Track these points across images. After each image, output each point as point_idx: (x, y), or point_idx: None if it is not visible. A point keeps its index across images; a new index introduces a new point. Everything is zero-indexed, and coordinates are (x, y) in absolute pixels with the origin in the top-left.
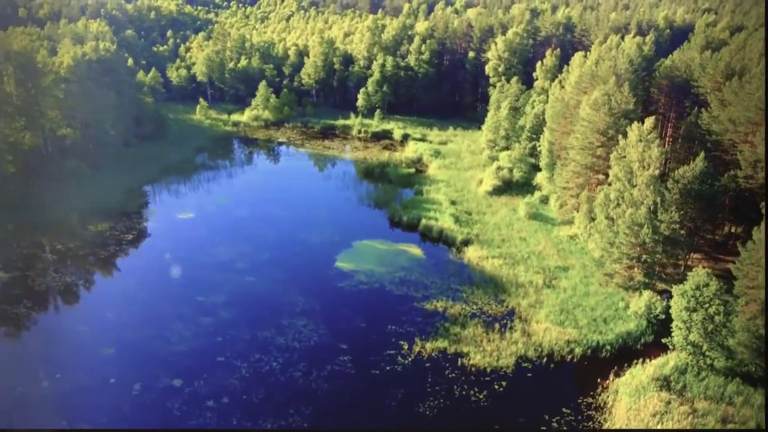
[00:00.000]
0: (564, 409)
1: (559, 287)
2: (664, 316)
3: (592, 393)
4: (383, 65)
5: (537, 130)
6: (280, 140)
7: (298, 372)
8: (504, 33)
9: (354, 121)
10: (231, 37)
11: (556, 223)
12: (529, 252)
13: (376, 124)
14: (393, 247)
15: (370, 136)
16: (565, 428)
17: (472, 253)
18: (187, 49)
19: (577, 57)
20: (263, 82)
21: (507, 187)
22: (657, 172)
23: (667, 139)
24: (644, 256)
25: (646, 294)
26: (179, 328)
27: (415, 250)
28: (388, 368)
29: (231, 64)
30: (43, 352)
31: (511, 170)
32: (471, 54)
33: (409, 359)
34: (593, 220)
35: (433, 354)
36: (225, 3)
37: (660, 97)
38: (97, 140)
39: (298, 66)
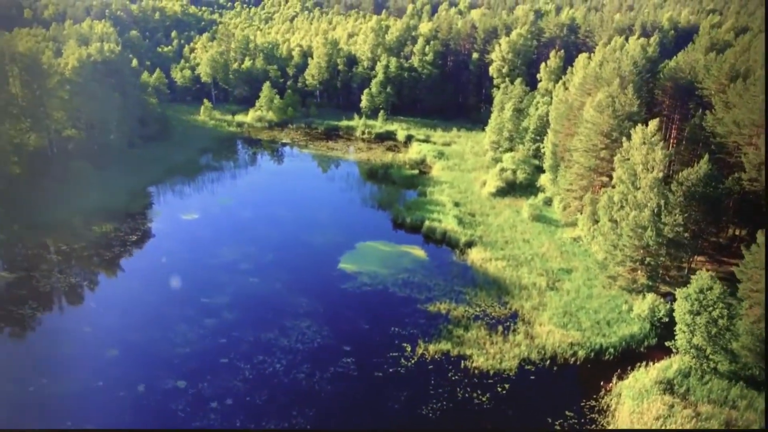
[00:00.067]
0: (567, 412)
1: (563, 289)
2: (667, 319)
3: (595, 396)
4: (387, 66)
5: (541, 132)
6: (283, 141)
7: (301, 374)
8: (508, 34)
9: (358, 122)
10: (235, 38)
11: (559, 225)
12: (532, 254)
13: (379, 125)
14: (396, 248)
15: (373, 137)
16: (567, 431)
17: (475, 255)
18: (192, 50)
19: (581, 58)
20: (267, 83)
21: (510, 189)
22: (661, 174)
23: (671, 141)
24: (648, 259)
25: (650, 297)
26: (183, 329)
27: (419, 252)
28: (391, 370)
29: (235, 65)
30: (48, 353)
31: (514, 172)
32: (475, 55)
33: (412, 361)
34: (597, 222)
35: (436, 356)
36: (229, 3)
37: (664, 99)
38: (101, 141)
39: (302, 67)
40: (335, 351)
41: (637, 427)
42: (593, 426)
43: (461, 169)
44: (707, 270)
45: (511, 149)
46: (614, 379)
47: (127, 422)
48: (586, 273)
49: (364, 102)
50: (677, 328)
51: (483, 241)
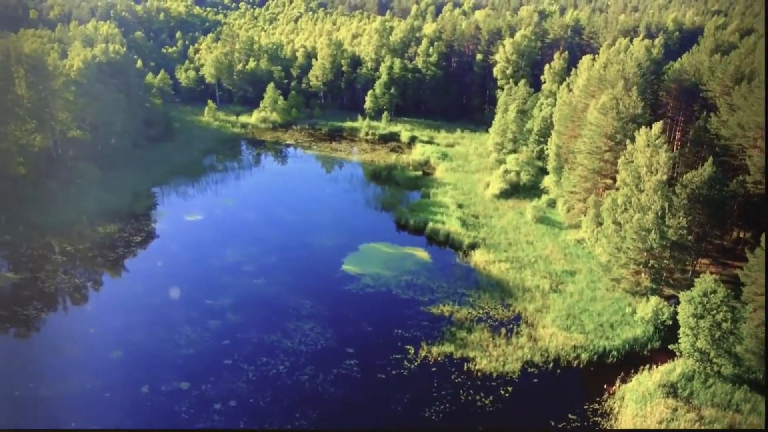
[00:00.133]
0: (570, 415)
1: (566, 292)
2: (671, 322)
3: (598, 399)
4: (391, 67)
5: (545, 134)
6: (287, 142)
7: (304, 376)
8: (512, 35)
9: (361, 123)
10: (239, 39)
11: (563, 227)
12: (535, 256)
13: (383, 127)
14: (399, 250)
15: (377, 139)
16: None
17: (478, 257)
18: (196, 51)
19: (586, 60)
20: (271, 84)
21: (514, 191)
22: (665, 177)
23: (675, 143)
24: (651, 262)
25: (654, 299)
26: (187, 330)
27: (422, 254)
28: (394, 372)
29: (239, 66)
30: (52, 353)
31: (518, 173)
32: (479, 56)
33: (415, 363)
34: (600, 224)
35: (439, 358)
36: (234, 4)
37: (669, 101)
38: (106, 142)
39: (306, 68)
40: (338, 353)
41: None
42: (596, 429)
43: (465, 170)
44: (711, 273)
45: (514, 151)
46: (617, 382)
47: (131, 423)
48: (589, 275)
49: (368, 103)
50: (681, 331)
51: (486, 243)
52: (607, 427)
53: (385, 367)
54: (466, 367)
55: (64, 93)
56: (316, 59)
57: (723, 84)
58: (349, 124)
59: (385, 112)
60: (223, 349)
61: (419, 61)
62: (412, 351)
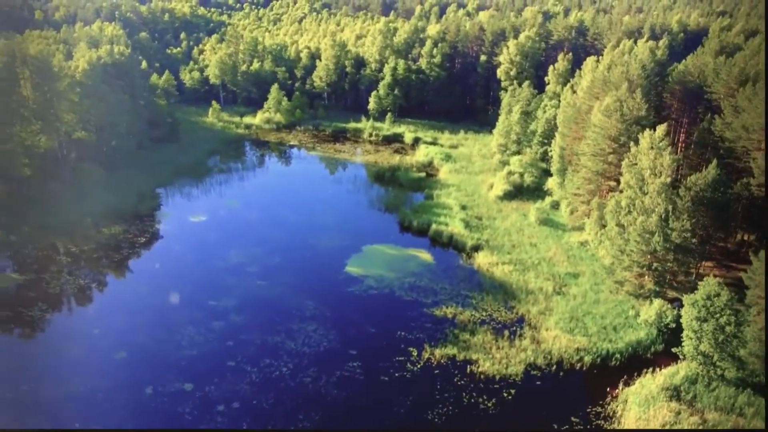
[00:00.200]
0: (573, 418)
1: (569, 294)
2: (674, 325)
3: (601, 402)
4: (395, 68)
5: (548, 135)
6: (291, 143)
7: (307, 377)
8: (516, 36)
9: (365, 125)
10: (244, 40)
11: (566, 229)
12: (539, 258)
13: (387, 128)
14: (403, 252)
15: (381, 140)
16: None
17: (482, 259)
18: (200, 52)
19: (590, 61)
20: (275, 85)
21: (518, 192)
22: (669, 179)
23: (679, 144)
24: (655, 264)
25: (657, 302)
26: (190, 331)
27: (425, 255)
28: (397, 374)
29: (243, 67)
30: (57, 354)
31: (522, 175)
32: (483, 57)
33: (418, 366)
34: (604, 226)
35: (442, 361)
36: (238, 5)
37: (673, 102)
38: (111, 143)
39: (310, 69)
40: (341, 354)
41: None
42: None
43: (468, 171)
44: (715, 275)
45: (518, 152)
46: (620, 385)
47: (134, 424)
48: (593, 278)
49: (372, 104)
50: (684, 334)
51: (490, 244)
52: (611, 430)
53: (388, 369)
54: (469, 370)
55: (69, 94)
56: (320, 60)
57: (727, 86)
58: (352, 125)
59: (389, 113)
60: (227, 350)
61: (423, 62)
62: (415, 353)
